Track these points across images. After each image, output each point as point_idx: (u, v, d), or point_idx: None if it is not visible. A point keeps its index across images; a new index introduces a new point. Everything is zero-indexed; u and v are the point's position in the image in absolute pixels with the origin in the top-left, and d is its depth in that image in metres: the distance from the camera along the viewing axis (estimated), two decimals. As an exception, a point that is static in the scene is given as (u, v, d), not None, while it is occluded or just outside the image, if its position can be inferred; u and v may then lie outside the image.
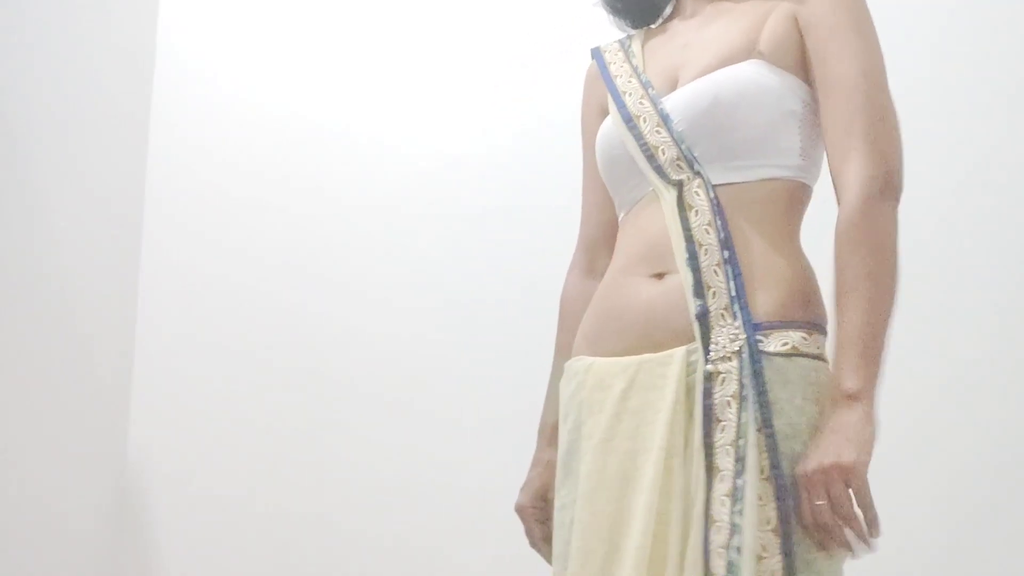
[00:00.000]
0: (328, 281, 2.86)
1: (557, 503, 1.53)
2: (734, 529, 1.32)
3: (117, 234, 2.90)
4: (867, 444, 1.32)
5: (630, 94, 1.58)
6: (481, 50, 2.87)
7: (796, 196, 1.51)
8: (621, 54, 1.68)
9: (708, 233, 1.45)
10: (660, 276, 1.48)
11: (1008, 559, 2.35)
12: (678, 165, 1.50)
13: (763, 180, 1.48)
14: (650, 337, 1.45)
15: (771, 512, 1.33)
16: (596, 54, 1.73)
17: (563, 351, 1.65)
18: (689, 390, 1.41)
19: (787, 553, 1.32)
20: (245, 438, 2.83)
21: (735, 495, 1.33)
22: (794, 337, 1.41)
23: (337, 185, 2.89)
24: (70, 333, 2.70)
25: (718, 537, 1.32)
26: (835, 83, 1.45)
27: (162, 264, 2.94)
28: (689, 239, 1.45)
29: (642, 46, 1.67)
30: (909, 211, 2.41)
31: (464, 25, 2.90)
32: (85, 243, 2.76)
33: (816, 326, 1.44)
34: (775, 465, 1.34)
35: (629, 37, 1.72)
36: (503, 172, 2.80)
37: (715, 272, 1.43)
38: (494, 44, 2.86)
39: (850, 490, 1.30)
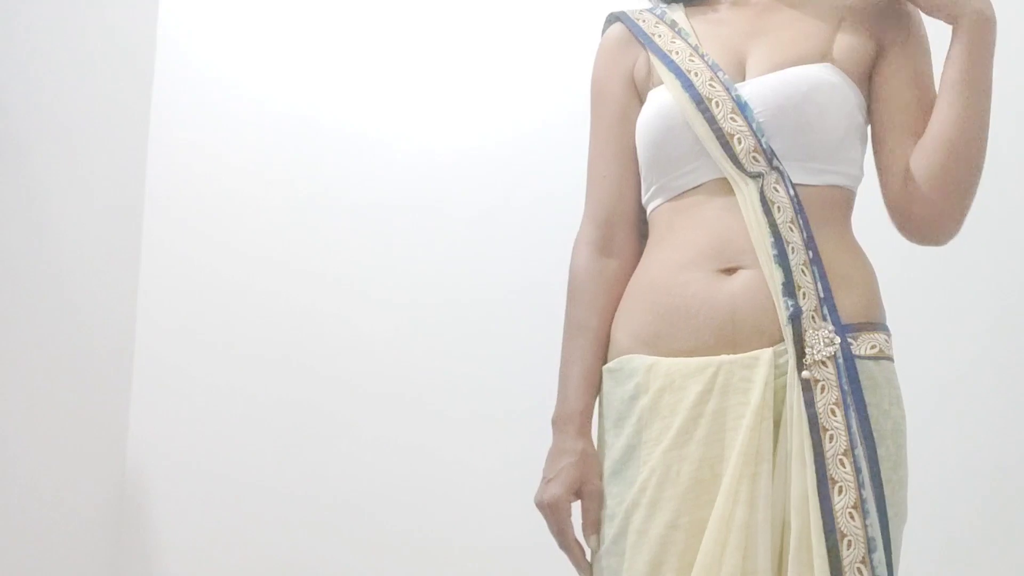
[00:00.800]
0: (328, 280, 2.86)
1: (605, 510, 1.44)
2: (871, 543, 1.30)
3: (117, 234, 2.90)
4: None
5: (696, 74, 1.48)
6: (481, 49, 2.87)
7: (850, 205, 1.49)
8: (664, 27, 1.58)
9: (792, 231, 1.40)
10: (730, 272, 1.42)
11: (1009, 559, 2.36)
12: (755, 157, 1.43)
13: (830, 186, 1.46)
14: (731, 337, 1.38)
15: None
16: (626, 19, 1.62)
17: (582, 331, 1.52)
18: (776, 393, 1.35)
19: (889, 564, 1.32)
20: (245, 437, 2.83)
21: (864, 507, 1.30)
22: (879, 340, 1.41)
23: (337, 184, 2.89)
24: (70, 333, 2.70)
25: (852, 552, 1.29)
26: (922, 91, 1.49)
27: (162, 264, 2.94)
28: (776, 235, 1.39)
29: (690, 25, 1.57)
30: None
31: (464, 25, 2.90)
32: (85, 243, 2.76)
33: (888, 328, 1.45)
34: (874, 475, 1.33)
35: (663, 11, 1.62)
36: (503, 171, 2.81)
37: (803, 271, 1.38)
38: (494, 44, 2.86)
39: None
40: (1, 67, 2.51)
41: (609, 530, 1.42)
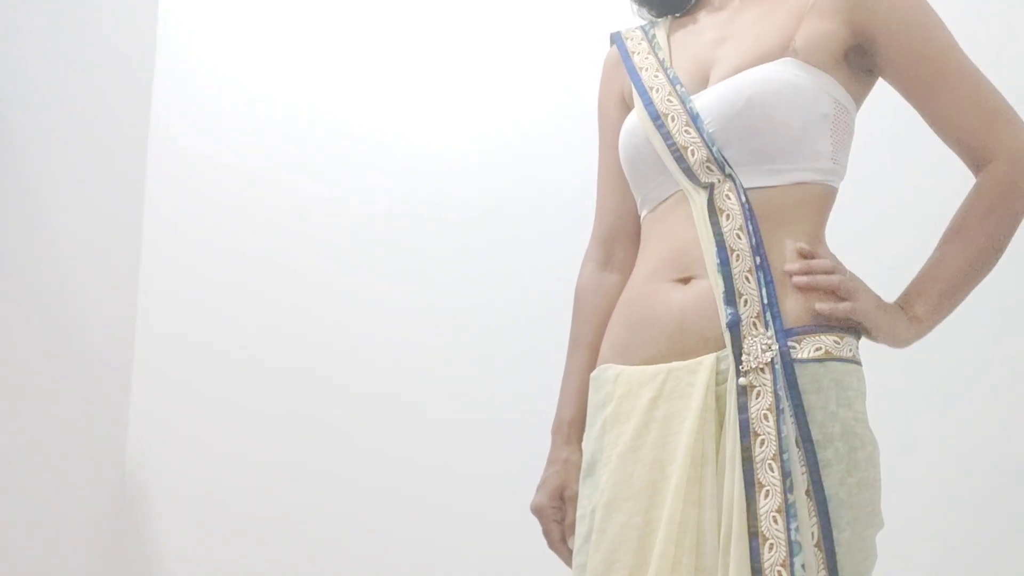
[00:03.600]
0: (327, 282, 2.86)
1: (577, 511, 1.51)
2: (793, 547, 1.30)
3: (117, 235, 2.90)
4: (901, 341, 1.45)
5: (657, 90, 1.53)
6: (479, 55, 2.87)
7: (825, 200, 1.48)
8: (645, 44, 1.61)
9: (740, 238, 1.41)
10: (686, 281, 1.44)
11: (1010, 560, 2.35)
12: (708, 167, 1.46)
13: (795, 184, 1.45)
14: (680, 345, 1.42)
15: (815, 528, 1.33)
16: (617, 40, 1.66)
17: (580, 345, 1.61)
18: (719, 399, 1.38)
19: (832, 568, 1.32)
20: (244, 438, 2.83)
21: (788, 511, 1.31)
22: (826, 341, 1.40)
23: (336, 189, 2.89)
24: (70, 333, 2.70)
25: (774, 555, 1.30)
26: (932, 72, 1.46)
27: (162, 265, 2.94)
28: (720, 244, 1.41)
29: (668, 37, 1.61)
30: (910, 211, 2.42)
31: (462, 30, 2.90)
32: (85, 244, 2.76)
33: (848, 329, 1.42)
34: (815, 481, 1.33)
35: (652, 24, 1.65)
36: (501, 176, 2.81)
37: (746, 279, 1.39)
38: (492, 49, 2.86)
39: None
40: (1, 68, 2.51)
41: (581, 529, 1.48)
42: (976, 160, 1.47)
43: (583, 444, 1.53)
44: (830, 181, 1.48)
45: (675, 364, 1.42)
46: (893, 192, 2.46)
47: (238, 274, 2.90)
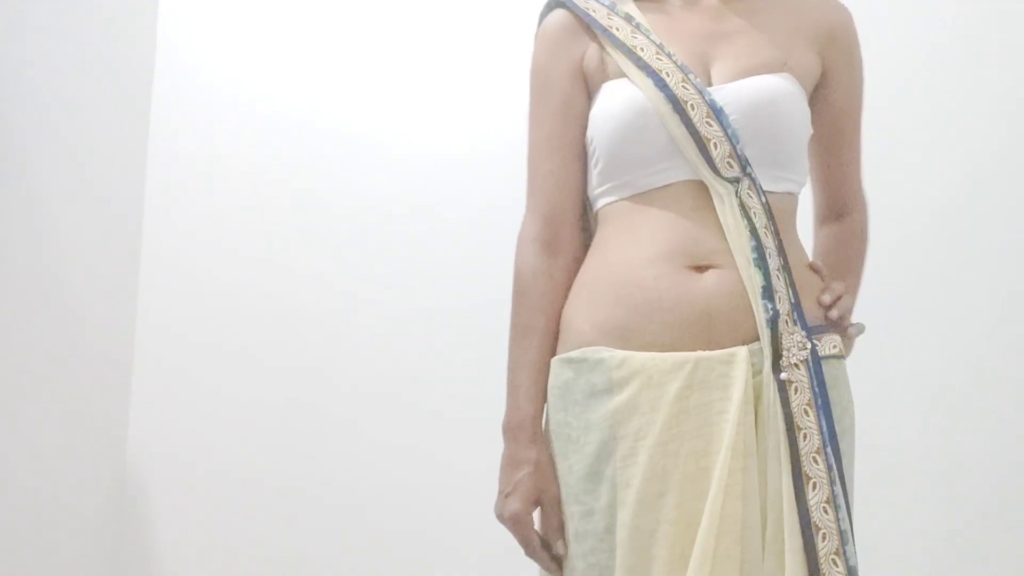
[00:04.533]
0: (328, 281, 2.86)
1: (577, 508, 1.43)
2: (844, 536, 1.35)
3: (117, 233, 2.90)
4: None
5: (668, 74, 1.47)
6: (478, 52, 2.87)
7: (796, 211, 1.55)
8: (619, 20, 1.54)
9: (767, 236, 1.43)
10: (702, 269, 1.43)
11: (1011, 561, 2.36)
12: (729, 163, 1.45)
13: (787, 193, 1.50)
14: (706, 335, 1.40)
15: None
16: (572, 5, 1.57)
17: (529, 333, 1.51)
18: (755, 391, 1.39)
19: (847, 557, 1.37)
20: (244, 437, 2.84)
21: (835, 502, 1.36)
22: (836, 340, 1.47)
23: (336, 186, 2.89)
24: (70, 333, 2.71)
25: (827, 544, 1.34)
26: (850, 128, 1.62)
27: (162, 263, 2.94)
28: (757, 239, 1.42)
29: (646, 22, 1.55)
30: (909, 211, 2.42)
31: (461, 27, 2.90)
32: (85, 243, 2.76)
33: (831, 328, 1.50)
34: (840, 472, 1.39)
35: (613, 2, 1.58)
36: (501, 173, 2.79)
37: (778, 276, 1.42)
38: (491, 46, 2.86)
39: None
40: (1, 67, 2.51)
41: (590, 527, 1.41)
42: (838, 209, 1.64)
43: (568, 431, 1.45)
44: (799, 193, 1.56)
45: (703, 354, 1.39)
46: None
47: (238, 273, 2.90)
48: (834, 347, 1.45)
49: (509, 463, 1.52)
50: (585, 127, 1.55)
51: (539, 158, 1.57)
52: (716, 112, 1.45)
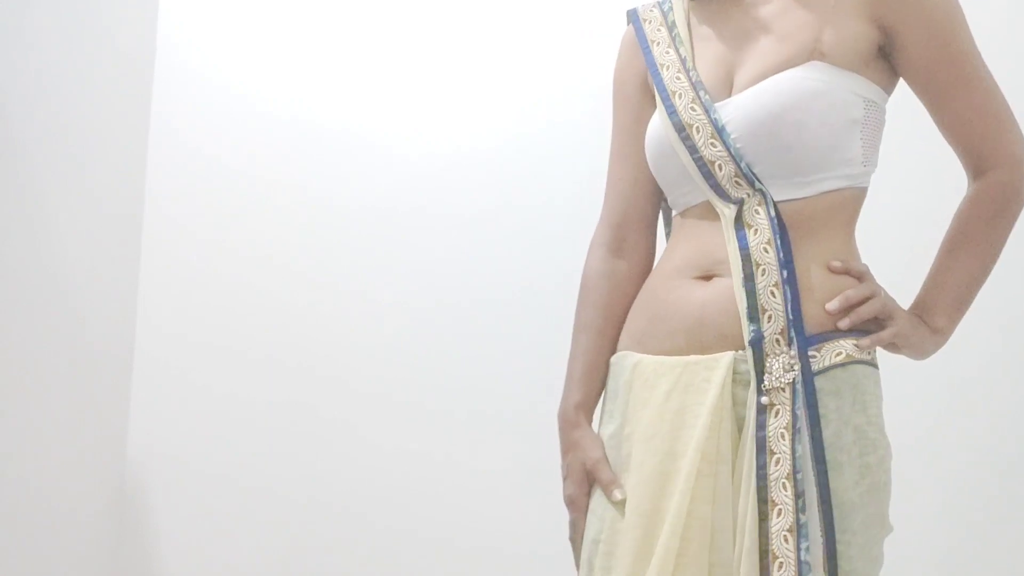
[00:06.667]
0: (328, 281, 2.86)
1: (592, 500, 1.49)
2: (803, 567, 1.31)
3: (117, 234, 2.90)
4: (925, 354, 1.50)
5: (680, 95, 1.48)
6: (481, 52, 2.87)
7: (855, 202, 1.48)
8: (664, 32, 1.55)
9: (767, 252, 1.40)
10: (708, 278, 1.45)
11: (1013, 563, 2.36)
12: (736, 182, 1.44)
13: (825, 193, 1.44)
14: (698, 339, 1.42)
15: (821, 544, 1.34)
16: (635, 21, 1.60)
17: (585, 328, 1.57)
18: (737, 398, 1.38)
19: None
20: (244, 438, 2.84)
21: (800, 531, 1.32)
22: (847, 346, 1.40)
23: (337, 185, 2.89)
24: (70, 333, 2.70)
25: (783, 574, 1.32)
26: (952, 77, 1.46)
27: (162, 264, 2.94)
28: (746, 259, 1.40)
29: (688, 25, 1.55)
30: (910, 210, 2.42)
31: (463, 27, 2.90)
32: (85, 243, 2.76)
33: (864, 331, 1.43)
34: (824, 500, 1.34)
35: (670, 6, 1.58)
36: (502, 174, 2.81)
37: (772, 294, 1.39)
38: (494, 46, 2.86)
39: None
40: (1, 67, 2.51)
41: (607, 513, 1.46)
42: (978, 166, 1.49)
43: (601, 430, 1.51)
44: (860, 183, 1.47)
45: (692, 358, 1.42)
46: (899, 187, 2.46)
47: (238, 273, 2.90)
48: (838, 355, 1.39)
49: (563, 448, 1.55)
50: None
51: (612, 167, 1.63)
52: (719, 131, 1.44)
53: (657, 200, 1.61)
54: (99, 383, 2.82)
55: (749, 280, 1.40)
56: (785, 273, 1.39)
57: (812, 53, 1.43)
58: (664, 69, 1.51)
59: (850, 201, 1.47)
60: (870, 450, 1.38)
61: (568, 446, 1.53)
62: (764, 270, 1.39)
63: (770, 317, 1.38)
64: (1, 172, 2.49)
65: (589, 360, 1.55)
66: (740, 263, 1.40)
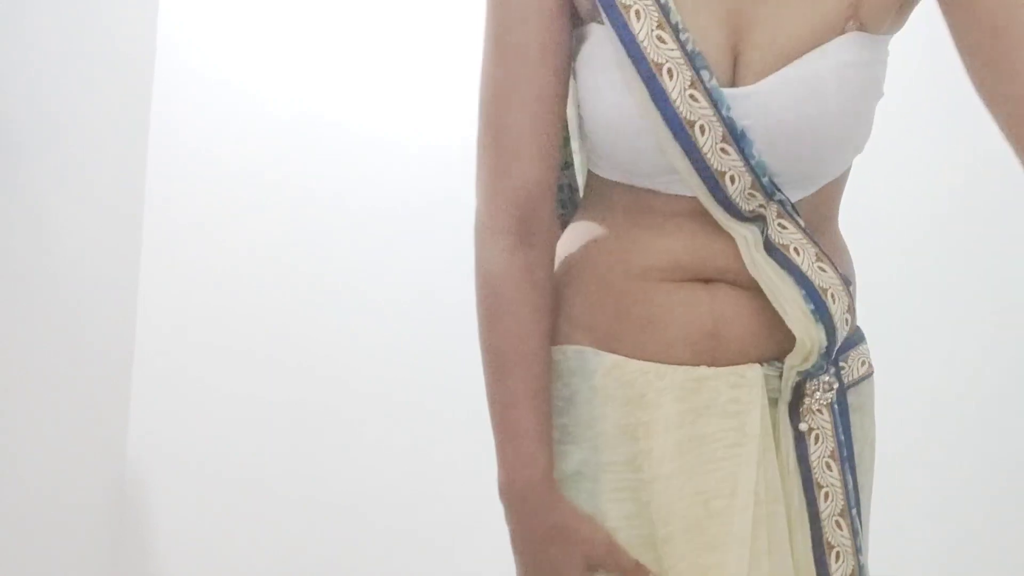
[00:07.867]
0: (328, 281, 2.86)
1: (618, 511, 1.16)
2: None
3: (117, 235, 2.90)
4: None
5: (669, 70, 1.04)
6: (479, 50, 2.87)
7: (847, 175, 1.21)
8: None
9: (824, 271, 1.13)
10: (705, 282, 1.14)
11: (1014, 563, 2.36)
12: (751, 194, 1.11)
13: (829, 183, 1.18)
14: (710, 352, 1.13)
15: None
16: None
17: (519, 358, 1.19)
18: (775, 422, 1.13)
19: None
20: (245, 437, 2.84)
21: (861, 573, 1.14)
22: (865, 351, 1.21)
23: (338, 185, 2.89)
24: (70, 332, 2.71)
25: None
26: (1019, 20, 1.07)
27: (162, 265, 2.94)
28: (807, 286, 1.11)
29: None
30: (910, 210, 2.42)
31: (467, 25, 2.90)
32: (85, 241, 2.76)
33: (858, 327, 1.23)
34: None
35: None
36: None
37: (845, 315, 1.16)
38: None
39: None
40: (1, 68, 2.51)
41: (643, 529, 1.18)
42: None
43: (559, 463, 1.19)
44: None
45: (704, 371, 1.12)
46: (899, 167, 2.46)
47: (239, 272, 2.90)
48: (863, 364, 1.19)
49: (533, 540, 1.21)
50: (568, 71, 1.14)
51: (506, 118, 1.13)
52: (736, 138, 1.07)
53: (562, 157, 1.19)
54: (99, 382, 2.82)
55: (822, 311, 1.10)
56: (834, 270, 1.15)
57: (849, 20, 1.09)
58: (634, 17, 1.04)
59: (839, 188, 1.21)
60: (871, 466, 1.22)
61: (546, 535, 1.17)
62: (833, 295, 1.12)
63: (839, 335, 1.16)
64: (1, 172, 2.49)
65: (540, 405, 1.18)
66: (802, 292, 1.11)
